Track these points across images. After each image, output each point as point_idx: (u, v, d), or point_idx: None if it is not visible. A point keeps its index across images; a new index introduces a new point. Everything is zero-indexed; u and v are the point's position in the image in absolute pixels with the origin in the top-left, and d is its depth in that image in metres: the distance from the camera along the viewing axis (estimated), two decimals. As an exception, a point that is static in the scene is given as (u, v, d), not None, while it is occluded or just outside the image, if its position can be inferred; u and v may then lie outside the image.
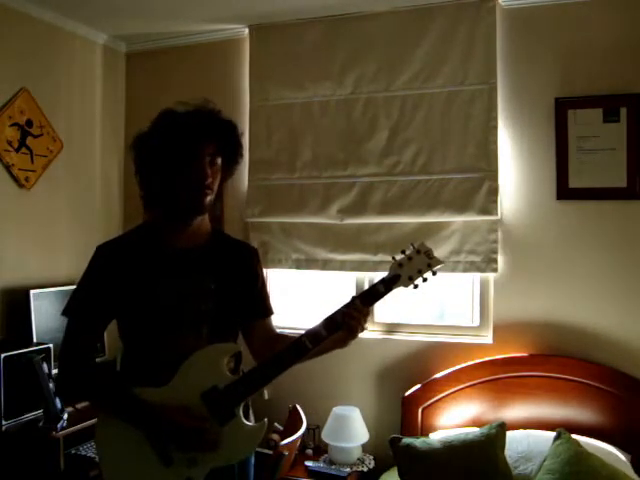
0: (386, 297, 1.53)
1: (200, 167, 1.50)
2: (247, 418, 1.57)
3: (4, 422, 2.53)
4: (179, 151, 1.48)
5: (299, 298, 3.45)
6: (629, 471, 2.39)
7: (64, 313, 1.57)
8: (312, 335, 1.49)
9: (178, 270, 1.55)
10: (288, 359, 1.49)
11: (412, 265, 1.51)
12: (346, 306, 1.50)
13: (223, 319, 1.58)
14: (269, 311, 1.71)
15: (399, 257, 1.52)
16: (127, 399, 1.48)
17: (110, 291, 1.53)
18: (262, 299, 1.71)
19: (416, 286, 1.52)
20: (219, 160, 1.55)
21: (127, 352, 1.61)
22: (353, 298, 1.51)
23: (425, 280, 1.52)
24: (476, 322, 3.04)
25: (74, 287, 1.60)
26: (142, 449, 1.46)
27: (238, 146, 1.59)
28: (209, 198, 1.54)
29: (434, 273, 1.53)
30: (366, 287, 3.18)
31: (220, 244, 1.65)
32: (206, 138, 1.51)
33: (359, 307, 1.48)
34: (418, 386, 2.90)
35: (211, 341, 1.53)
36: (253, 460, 1.67)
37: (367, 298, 1.51)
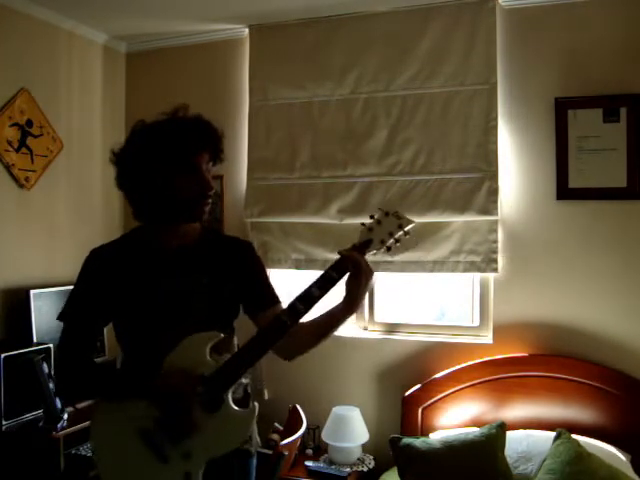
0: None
1: (203, 178, 1.51)
2: (247, 405, 1.56)
3: (4, 422, 2.53)
4: (180, 162, 1.48)
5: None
6: (629, 471, 2.39)
7: (60, 318, 1.58)
8: (289, 310, 1.45)
9: (170, 270, 1.55)
10: (268, 338, 1.46)
11: (382, 228, 1.48)
12: (318, 278, 1.45)
13: (218, 316, 1.58)
14: (274, 300, 1.67)
15: (368, 222, 1.50)
16: (123, 376, 1.52)
17: (104, 294, 1.54)
18: (264, 289, 1.68)
19: (389, 249, 1.49)
20: (211, 165, 1.56)
21: (124, 354, 1.61)
22: (325, 270, 1.46)
23: (397, 242, 1.49)
24: (476, 322, 3.04)
25: (70, 290, 1.60)
26: (137, 448, 1.46)
27: (222, 145, 1.59)
28: (208, 207, 1.55)
29: (406, 233, 1.49)
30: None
31: (211, 242, 1.64)
32: (202, 147, 1.51)
33: (348, 255, 1.44)
34: (418, 386, 2.91)
35: None
36: (255, 462, 1.65)
37: (338, 267, 1.46)
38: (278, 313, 1.49)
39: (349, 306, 1.48)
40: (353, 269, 1.45)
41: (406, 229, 1.49)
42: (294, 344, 1.56)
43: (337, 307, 1.50)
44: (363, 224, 1.50)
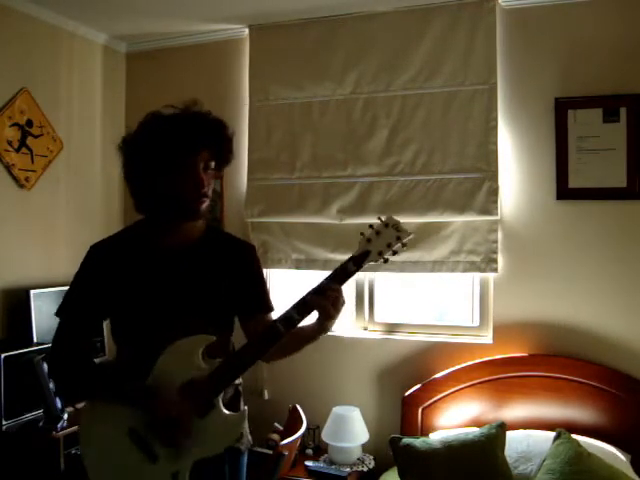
0: (357, 273, 1.52)
1: (196, 175, 1.50)
2: (237, 407, 1.57)
3: (4, 422, 2.53)
4: (175, 160, 1.48)
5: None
6: (629, 471, 2.39)
7: (57, 313, 1.57)
8: (285, 319, 1.47)
9: (169, 268, 1.55)
10: (263, 345, 1.47)
11: (381, 240, 1.48)
12: (317, 287, 1.48)
13: (215, 314, 1.58)
14: (268, 307, 1.68)
15: (367, 232, 1.50)
16: (116, 380, 1.50)
17: (102, 290, 1.54)
18: (258, 295, 1.68)
19: (386, 260, 1.50)
20: (212, 164, 1.55)
21: (118, 347, 1.61)
22: (324, 279, 1.49)
23: (395, 253, 1.49)
24: (476, 322, 3.04)
25: (68, 287, 1.60)
26: (127, 448, 1.46)
27: (230, 146, 1.58)
28: (205, 205, 1.54)
29: (404, 245, 1.49)
30: (366, 287, 3.19)
31: (213, 241, 1.64)
32: (201, 145, 1.50)
33: (329, 286, 1.46)
34: (418, 386, 2.90)
35: None
36: (246, 460, 1.65)
37: (338, 277, 1.48)
38: (273, 321, 1.49)
39: (323, 329, 1.50)
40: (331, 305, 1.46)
41: (404, 241, 1.49)
42: (277, 350, 1.54)
43: (311, 327, 1.51)
44: (362, 234, 1.50)
